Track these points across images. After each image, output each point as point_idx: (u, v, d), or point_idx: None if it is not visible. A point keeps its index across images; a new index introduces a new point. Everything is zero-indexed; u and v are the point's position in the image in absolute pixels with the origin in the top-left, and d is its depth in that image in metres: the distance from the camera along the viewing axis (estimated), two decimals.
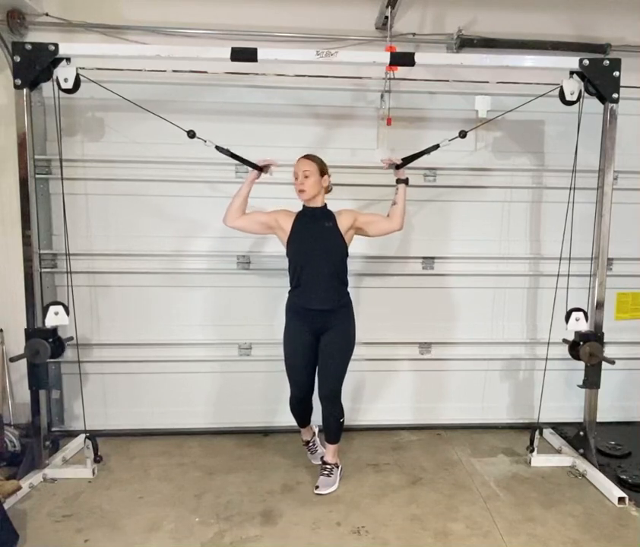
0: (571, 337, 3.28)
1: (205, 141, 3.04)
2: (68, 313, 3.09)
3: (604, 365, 3.20)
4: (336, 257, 2.95)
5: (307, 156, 2.97)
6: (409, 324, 3.77)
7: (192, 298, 3.65)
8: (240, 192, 3.00)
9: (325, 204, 3.01)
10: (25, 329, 3.05)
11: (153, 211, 3.59)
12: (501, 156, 3.71)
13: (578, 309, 3.21)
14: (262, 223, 3.01)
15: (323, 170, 2.97)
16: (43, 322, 3.06)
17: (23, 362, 3.05)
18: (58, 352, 3.12)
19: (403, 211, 3.05)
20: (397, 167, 3.07)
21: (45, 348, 2.99)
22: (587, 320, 3.23)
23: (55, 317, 3.05)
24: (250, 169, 3.07)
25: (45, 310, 3.06)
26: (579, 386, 3.30)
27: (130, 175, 3.53)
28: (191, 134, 3.05)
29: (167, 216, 3.60)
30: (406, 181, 3.06)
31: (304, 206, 3.01)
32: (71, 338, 3.22)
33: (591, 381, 3.25)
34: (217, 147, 3.06)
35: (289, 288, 3.06)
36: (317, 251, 2.91)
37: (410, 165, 3.11)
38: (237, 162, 3.15)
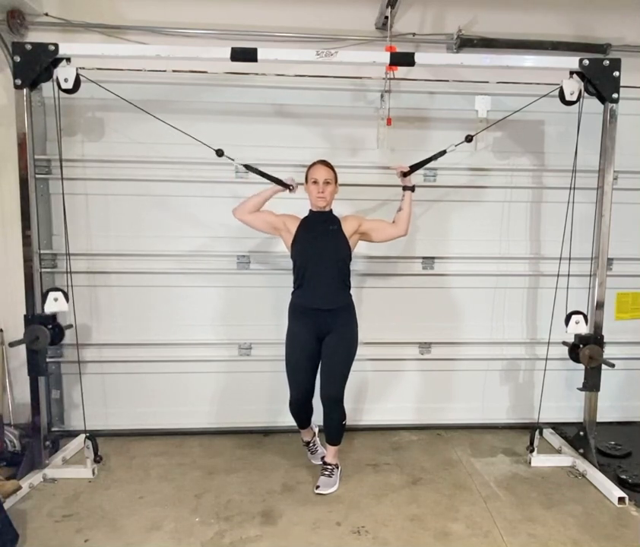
0: (571, 340, 3.29)
1: (233, 160, 3.08)
2: (67, 299, 3.08)
3: (604, 365, 3.20)
4: (340, 260, 2.97)
5: (325, 163, 3.00)
6: (408, 324, 3.77)
7: (192, 298, 3.65)
8: (263, 194, 3.04)
9: (331, 209, 3.04)
10: (24, 315, 3.04)
11: (153, 211, 3.59)
12: (501, 156, 3.71)
13: (578, 312, 3.21)
14: (269, 223, 3.04)
15: (336, 177, 3.02)
16: (42, 308, 3.05)
17: (24, 364, 3.05)
18: (58, 338, 3.11)
19: (409, 217, 3.08)
20: (405, 174, 3.10)
21: (45, 334, 2.98)
22: (586, 323, 3.22)
23: (54, 304, 3.04)
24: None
25: (44, 296, 3.05)
26: (579, 389, 3.30)
27: (130, 175, 3.53)
28: (220, 153, 3.06)
29: (167, 216, 3.60)
30: (412, 189, 3.09)
31: (310, 210, 3.04)
32: (71, 325, 3.20)
33: (591, 383, 3.25)
34: (246, 166, 3.08)
35: (290, 288, 3.07)
36: (321, 252, 2.93)
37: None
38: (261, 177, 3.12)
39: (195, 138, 3.08)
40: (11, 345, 3.03)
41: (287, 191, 3.09)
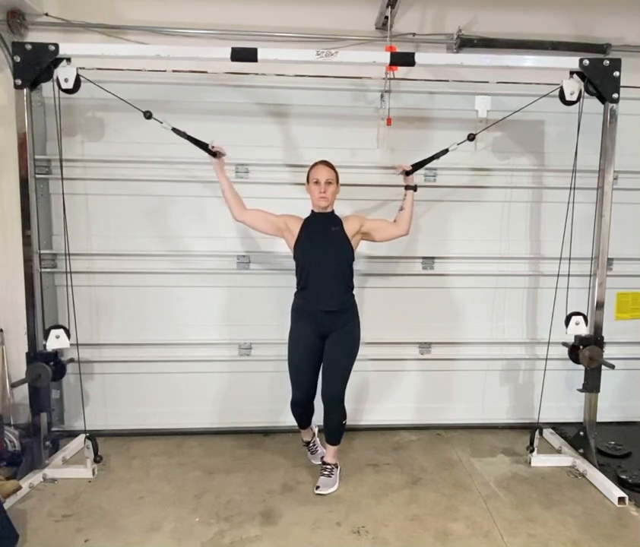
0: (570, 341, 3.29)
1: (162, 122, 3.01)
2: (69, 336, 3.09)
3: (604, 366, 3.19)
4: (342, 261, 2.98)
5: (327, 163, 3.00)
6: (409, 324, 3.77)
7: (192, 298, 3.65)
8: (222, 187, 3.05)
9: (333, 210, 3.04)
10: (26, 353, 3.05)
11: (153, 211, 3.59)
12: (501, 156, 3.71)
13: (578, 313, 3.21)
14: (271, 223, 3.04)
15: (338, 177, 3.02)
16: (45, 344, 3.05)
17: (23, 363, 3.05)
18: (59, 375, 3.14)
19: (411, 217, 3.10)
20: (407, 173, 3.10)
21: (47, 372, 2.99)
22: (586, 324, 3.22)
23: (56, 341, 3.05)
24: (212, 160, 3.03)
25: (46, 334, 3.06)
26: (579, 390, 3.30)
27: (130, 175, 3.53)
28: (148, 115, 3.01)
29: (167, 216, 3.60)
30: (414, 188, 3.09)
31: (312, 211, 3.04)
32: (73, 359, 3.25)
33: (591, 385, 3.25)
34: (174, 129, 3.02)
35: (290, 288, 3.07)
36: (324, 253, 2.94)
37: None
38: (194, 145, 3.04)
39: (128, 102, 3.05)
40: (13, 386, 3.05)
41: (215, 158, 3.01)
